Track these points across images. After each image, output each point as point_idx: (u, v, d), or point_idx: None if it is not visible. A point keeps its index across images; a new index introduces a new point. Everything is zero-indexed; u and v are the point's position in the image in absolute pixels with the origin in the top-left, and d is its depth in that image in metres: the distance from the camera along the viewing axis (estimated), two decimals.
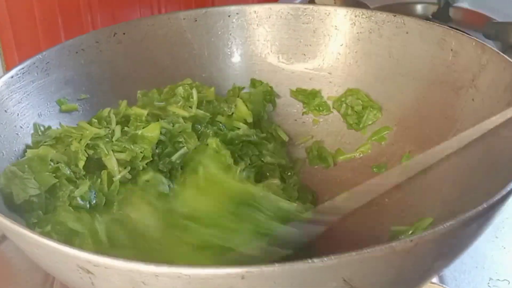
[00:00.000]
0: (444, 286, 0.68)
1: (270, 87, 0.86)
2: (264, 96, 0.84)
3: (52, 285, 0.70)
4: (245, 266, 0.44)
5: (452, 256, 0.53)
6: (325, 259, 0.44)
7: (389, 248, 0.45)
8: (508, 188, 0.50)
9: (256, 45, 0.88)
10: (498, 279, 0.71)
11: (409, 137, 0.77)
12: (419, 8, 1.20)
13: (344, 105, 0.83)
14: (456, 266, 0.73)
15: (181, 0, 1.15)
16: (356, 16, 0.84)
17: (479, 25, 1.12)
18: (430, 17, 1.18)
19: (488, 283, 0.71)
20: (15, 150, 0.68)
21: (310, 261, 0.44)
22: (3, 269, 0.73)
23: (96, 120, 0.72)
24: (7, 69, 0.92)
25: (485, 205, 0.48)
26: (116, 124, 0.71)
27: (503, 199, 0.49)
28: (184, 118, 0.74)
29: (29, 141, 0.71)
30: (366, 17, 0.83)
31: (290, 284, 0.44)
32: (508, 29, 1.07)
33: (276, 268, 0.43)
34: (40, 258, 0.51)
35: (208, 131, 0.74)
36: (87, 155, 0.67)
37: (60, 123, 0.74)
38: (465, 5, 1.19)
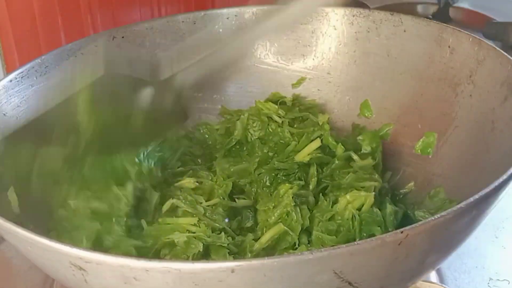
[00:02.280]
0: (444, 286, 0.68)
1: None
2: None
3: (52, 285, 0.70)
4: (235, 260, 0.44)
5: (446, 250, 0.53)
6: (315, 251, 0.44)
7: (380, 240, 0.45)
8: (496, 182, 0.50)
9: (255, 47, 0.88)
10: (498, 279, 0.71)
11: (408, 134, 0.77)
12: (419, 8, 1.20)
13: None
14: (456, 266, 0.73)
15: (180, 0, 1.15)
16: (354, 16, 0.84)
17: (479, 25, 1.11)
18: (430, 17, 1.18)
19: (488, 283, 0.71)
20: None
21: (300, 254, 0.44)
22: (3, 269, 0.73)
23: None
24: (7, 69, 0.92)
25: (476, 197, 0.48)
26: None
27: (493, 192, 0.49)
28: None
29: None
30: (364, 16, 0.83)
31: (280, 277, 0.44)
32: (508, 29, 1.07)
33: (266, 261, 0.43)
34: (34, 255, 0.52)
35: None
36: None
37: None
38: (465, 5, 1.18)
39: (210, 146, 0.83)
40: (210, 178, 0.75)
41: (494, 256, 0.74)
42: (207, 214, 0.69)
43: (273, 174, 0.74)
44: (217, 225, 0.67)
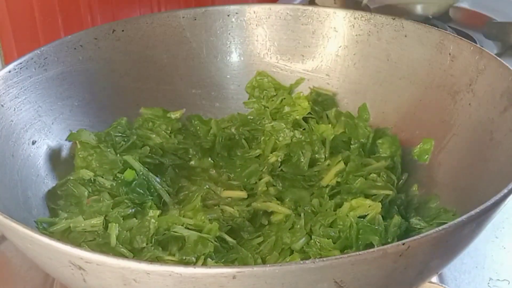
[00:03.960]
0: (444, 286, 0.68)
1: None
2: None
3: (52, 285, 0.70)
4: (236, 266, 0.44)
5: (447, 259, 0.53)
6: (317, 260, 0.44)
7: (381, 251, 0.45)
8: (497, 197, 0.50)
9: (255, 45, 0.88)
10: (498, 279, 0.71)
11: (405, 140, 0.77)
12: (419, 8, 1.20)
13: None
14: (456, 266, 0.73)
15: (180, 0, 1.15)
16: (355, 19, 0.84)
17: (479, 25, 1.12)
18: (430, 17, 1.17)
19: (488, 283, 0.71)
20: (10, 144, 0.68)
21: (301, 262, 0.44)
22: (3, 269, 0.73)
23: None
24: None
25: (477, 210, 0.48)
26: None
27: (494, 206, 0.50)
28: None
29: (24, 136, 0.70)
30: (365, 19, 0.83)
31: (281, 285, 0.44)
32: (508, 29, 1.08)
33: (267, 268, 0.44)
34: (33, 253, 0.51)
35: None
36: None
37: None
38: (465, 5, 1.18)
39: (201, 137, 0.83)
40: None
41: (494, 256, 0.75)
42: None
43: None
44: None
